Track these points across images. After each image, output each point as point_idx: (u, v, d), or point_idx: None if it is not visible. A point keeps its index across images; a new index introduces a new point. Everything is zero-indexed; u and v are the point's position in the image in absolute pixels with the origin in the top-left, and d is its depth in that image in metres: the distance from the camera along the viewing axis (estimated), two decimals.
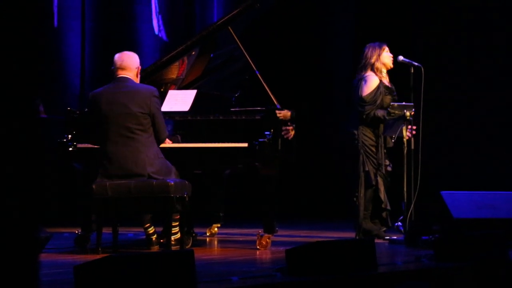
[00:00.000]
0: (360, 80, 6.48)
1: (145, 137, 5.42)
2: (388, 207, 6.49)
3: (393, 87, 6.57)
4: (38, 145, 2.10)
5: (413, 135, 6.30)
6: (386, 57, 6.51)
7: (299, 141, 6.12)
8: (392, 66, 6.53)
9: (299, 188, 9.27)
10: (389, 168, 6.52)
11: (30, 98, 2.14)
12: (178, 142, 5.84)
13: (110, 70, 5.60)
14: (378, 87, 6.43)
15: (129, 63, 5.56)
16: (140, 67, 5.64)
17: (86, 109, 5.78)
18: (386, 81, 6.53)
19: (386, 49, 6.52)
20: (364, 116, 6.42)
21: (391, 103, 6.35)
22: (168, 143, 5.72)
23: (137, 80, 5.60)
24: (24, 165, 2.09)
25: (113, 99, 5.44)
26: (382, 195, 6.47)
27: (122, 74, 5.54)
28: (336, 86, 9.58)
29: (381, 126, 6.44)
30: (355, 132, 6.48)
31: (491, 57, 8.64)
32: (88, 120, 5.68)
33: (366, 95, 6.41)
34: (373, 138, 6.47)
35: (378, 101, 6.43)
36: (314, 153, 9.37)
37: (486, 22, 8.67)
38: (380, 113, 6.40)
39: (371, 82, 6.44)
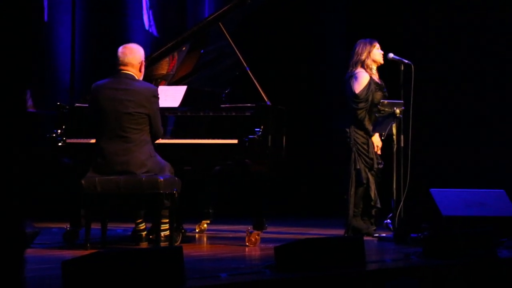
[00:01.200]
0: (351, 77, 6.48)
1: (138, 136, 5.40)
2: (378, 205, 6.50)
3: (383, 84, 6.57)
4: (25, 139, 2.09)
5: (402, 132, 6.30)
6: (376, 54, 6.51)
7: (290, 138, 6.12)
8: (382, 62, 6.53)
9: (289, 185, 9.27)
10: (380, 166, 6.53)
11: (19, 92, 2.13)
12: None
13: (114, 62, 5.54)
14: (369, 84, 6.44)
15: (131, 59, 5.51)
16: (143, 61, 5.59)
17: (86, 100, 5.73)
18: (376, 77, 6.53)
19: (377, 45, 6.53)
20: (358, 113, 6.42)
21: (381, 100, 6.36)
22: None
23: (140, 75, 5.55)
24: (10, 160, 2.08)
25: (114, 96, 5.42)
26: (373, 193, 6.47)
27: (124, 70, 5.51)
28: (328, 84, 9.59)
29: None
30: (347, 130, 6.48)
31: (481, 55, 8.66)
32: (86, 112, 5.65)
33: (359, 92, 6.41)
34: (365, 136, 6.47)
35: (370, 98, 6.44)
36: (305, 150, 9.37)
37: (476, 20, 8.69)
38: (367, 124, 6.41)
39: (362, 78, 6.45)
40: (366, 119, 6.44)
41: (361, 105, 6.42)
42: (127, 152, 5.36)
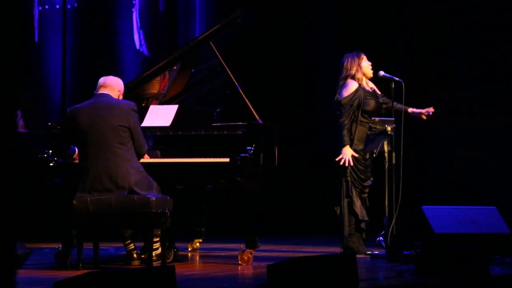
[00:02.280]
0: (340, 87, 6.50)
1: (124, 151, 5.41)
2: (366, 218, 6.48)
3: (378, 92, 6.57)
4: (15, 160, 2.08)
5: (394, 150, 6.30)
6: (365, 67, 6.53)
7: (282, 155, 6.12)
8: (371, 75, 6.54)
9: (281, 202, 9.26)
10: (369, 182, 6.52)
11: (9, 112, 2.12)
12: (157, 157, 5.83)
13: (93, 93, 5.59)
14: (356, 91, 6.45)
15: (112, 82, 5.58)
16: (122, 91, 5.64)
17: (63, 125, 5.76)
18: (368, 87, 6.54)
19: (364, 57, 6.54)
20: (341, 120, 6.41)
21: (372, 118, 6.36)
22: (146, 159, 5.70)
23: None
24: (1, 180, 2.07)
25: (93, 113, 5.43)
26: (357, 208, 6.46)
27: (103, 91, 5.54)
28: (319, 100, 9.60)
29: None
30: (340, 148, 6.48)
31: (473, 72, 8.68)
32: (65, 135, 5.67)
33: (343, 97, 6.43)
34: (358, 151, 6.45)
35: (355, 104, 6.42)
36: (297, 167, 9.37)
37: (468, 37, 8.72)
38: (345, 133, 6.39)
39: (350, 85, 6.46)
40: (346, 128, 6.41)
41: (344, 110, 6.41)
42: (114, 167, 5.35)
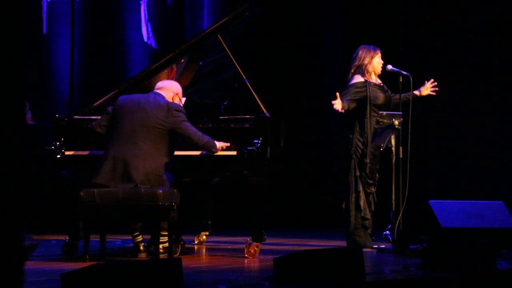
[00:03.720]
0: (348, 79, 6.50)
1: (147, 149, 5.43)
2: (367, 216, 6.45)
3: (385, 87, 6.56)
4: (23, 152, 2.09)
5: (401, 144, 6.29)
6: (377, 62, 6.52)
7: (289, 148, 6.12)
8: (380, 72, 6.54)
9: (288, 195, 9.26)
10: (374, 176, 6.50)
11: (18, 104, 2.13)
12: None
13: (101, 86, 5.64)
14: (358, 83, 6.42)
15: (166, 84, 5.73)
16: (178, 93, 5.71)
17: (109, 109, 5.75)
18: (375, 81, 6.53)
19: (379, 54, 6.54)
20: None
21: (380, 112, 6.35)
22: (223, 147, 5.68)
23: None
24: (10, 172, 2.08)
25: (137, 104, 5.52)
26: (362, 203, 6.45)
27: (157, 90, 5.67)
28: (327, 94, 9.59)
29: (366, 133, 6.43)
30: (350, 136, 6.48)
31: (481, 67, 8.66)
32: (103, 121, 5.66)
33: (348, 85, 6.42)
34: (365, 144, 6.44)
35: (350, 97, 6.38)
36: (304, 161, 9.37)
37: (475, 32, 8.70)
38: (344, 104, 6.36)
39: (354, 80, 6.45)
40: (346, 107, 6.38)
41: (345, 93, 6.37)
42: (132, 160, 5.38)
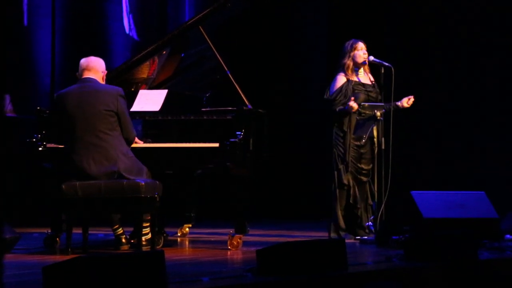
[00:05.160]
0: (332, 80, 6.53)
1: (112, 137, 5.41)
2: (358, 205, 6.49)
3: (373, 84, 6.57)
4: (4, 144, 2.08)
5: (383, 135, 6.31)
6: (357, 56, 6.53)
7: (272, 141, 6.12)
8: (361, 62, 6.53)
9: (271, 188, 9.27)
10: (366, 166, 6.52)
11: None
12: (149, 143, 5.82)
13: (75, 74, 5.60)
14: (342, 86, 6.46)
15: (95, 64, 5.59)
16: (106, 72, 5.65)
17: (52, 110, 5.76)
18: (362, 78, 6.54)
19: (359, 47, 6.53)
20: (333, 115, 6.46)
21: (362, 103, 6.37)
22: (139, 143, 5.70)
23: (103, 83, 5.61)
24: None
25: (80, 99, 5.44)
26: (351, 191, 6.48)
27: (87, 75, 5.55)
28: (309, 86, 9.60)
29: (347, 124, 6.45)
30: (333, 129, 6.52)
31: (462, 57, 8.69)
32: (54, 121, 5.67)
33: (330, 94, 6.46)
34: (343, 137, 6.48)
35: (343, 100, 6.43)
36: (286, 153, 9.38)
37: (457, 23, 8.73)
38: (339, 108, 6.41)
39: (338, 81, 6.49)
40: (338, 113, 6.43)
41: (334, 103, 6.44)
42: (103, 152, 5.36)
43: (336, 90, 6.47)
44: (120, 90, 5.52)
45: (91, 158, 5.37)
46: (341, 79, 6.50)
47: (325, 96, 6.53)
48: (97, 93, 5.44)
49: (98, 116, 5.39)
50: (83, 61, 5.60)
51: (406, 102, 6.59)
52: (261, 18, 9.56)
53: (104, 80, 5.64)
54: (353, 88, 6.49)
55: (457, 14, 8.71)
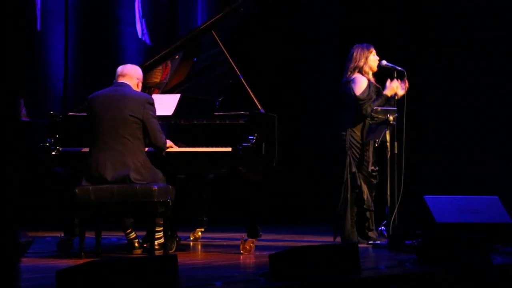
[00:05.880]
0: (348, 82, 6.45)
1: (133, 143, 5.41)
2: (372, 208, 6.49)
3: (380, 88, 6.57)
4: (18, 148, 2.08)
5: (396, 139, 6.30)
6: (372, 60, 6.51)
7: (283, 145, 6.12)
8: (376, 69, 6.53)
9: (283, 192, 9.26)
10: (375, 169, 6.50)
11: (12, 101, 2.13)
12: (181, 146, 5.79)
13: (101, 81, 5.62)
14: (369, 85, 6.43)
15: (130, 71, 5.62)
16: (141, 79, 5.65)
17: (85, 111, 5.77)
18: (373, 81, 6.53)
19: (373, 52, 6.52)
20: (364, 112, 6.37)
21: (375, 107, 6.36)
22: (174, 148, 5.68)
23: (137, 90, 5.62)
24: (3, 169, 2.07)
25: (108, 102, 5.46)
26: (365, 196, 6.47)
27: (121, 80, 5.57)
28: (321, 90, 9.60)
29: (361, 127, 6.44)
30: (343, 133, 6.48)
31: (474, 61, 8.67)
32: (86, 121, 5.66)
33: (361, 93, 6.38)
34: (360, 140, 6.45)
35: (374, 96, 6.41)
36: (299, 157, 9.37)
37: (469, 27, 8.71)
38: (376, 104, 6.37)
39: (361, 82, 6.43)
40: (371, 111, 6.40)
41: (366, 105, 6.38)
42: (120, 158, 5.36)
43: (366, 89, 6.41)
44: (149, 97, 5.53)
45: (109, 162, 5.37)
46: (364, 80, 6.44)
47: (359, 95, 6.40)
48: (125, 98, 5.45)
49: (123, 121, 5.40)
50: (120, 67, 5.65)
51: (393, 88, 6.45)
52: (272, 22, 9.56)
53: (140, 87, 5.65)
54: (372, 90, 6.46)
55: (471, 15, 8.68)
